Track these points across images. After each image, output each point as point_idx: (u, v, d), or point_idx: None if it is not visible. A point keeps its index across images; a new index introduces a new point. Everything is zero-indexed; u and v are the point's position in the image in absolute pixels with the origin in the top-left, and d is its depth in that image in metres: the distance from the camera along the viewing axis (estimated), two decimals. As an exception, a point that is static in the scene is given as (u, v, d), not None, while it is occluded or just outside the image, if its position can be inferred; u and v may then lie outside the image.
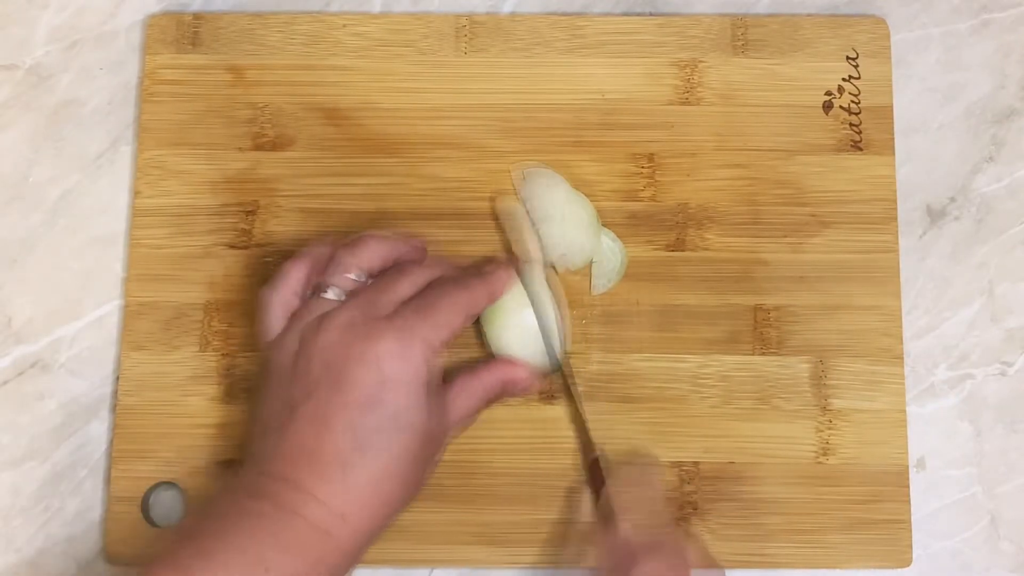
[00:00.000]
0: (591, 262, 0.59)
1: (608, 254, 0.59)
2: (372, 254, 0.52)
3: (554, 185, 0.59)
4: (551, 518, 0.57)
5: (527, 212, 0.58)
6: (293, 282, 0.52)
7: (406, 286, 0.52)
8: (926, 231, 0.61)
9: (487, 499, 0.57)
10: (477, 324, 0.57)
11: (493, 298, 0.54)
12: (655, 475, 0.56)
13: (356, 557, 0.48)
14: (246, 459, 0.49)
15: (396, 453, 0.48)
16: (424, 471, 0.50)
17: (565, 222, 0.58)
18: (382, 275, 0.53)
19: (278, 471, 0.47)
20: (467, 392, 0.53)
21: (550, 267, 0.58)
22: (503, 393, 0.55)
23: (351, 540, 0.47)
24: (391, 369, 0.48)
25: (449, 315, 0.51)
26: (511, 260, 0.58)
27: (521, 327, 0.56)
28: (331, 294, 0.51)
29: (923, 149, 0.62)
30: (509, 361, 0.55)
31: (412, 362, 0.48)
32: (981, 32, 0.64)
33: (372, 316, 0.49)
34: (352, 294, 0.51)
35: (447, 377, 0.53)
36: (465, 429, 0.54)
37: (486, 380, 0.54)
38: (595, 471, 0.55)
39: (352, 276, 0.52)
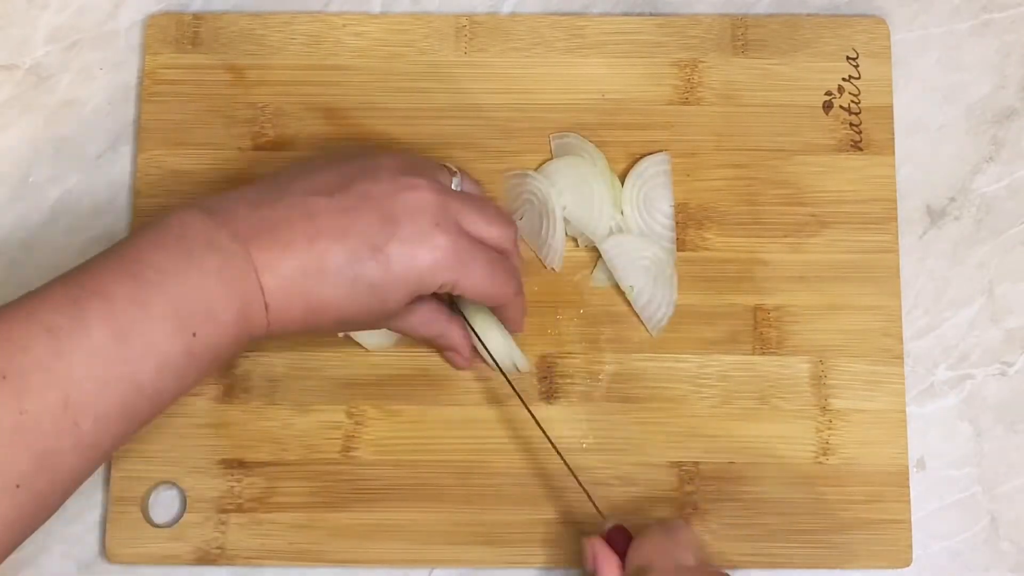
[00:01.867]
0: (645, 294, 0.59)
1: (663, 299, 0.58)
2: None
3: (581, 159, 0.60)
4: (551, 518, 0.57)
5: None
6: None
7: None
8: (926, 231, 0.61)
9: (487, 499, 0.57)
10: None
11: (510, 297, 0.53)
12: (684, 533, 0.52)
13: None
14: (212, 207, 0.47)
15: (356, 273, 0.47)
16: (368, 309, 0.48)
17: (592, 198, 0.59)
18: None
19: (240, 232, 0.46)
20: (430, 317, 0.53)
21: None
22: (436, 344, 0.56)
23: (266, 332, 0.47)
24: (420, 222, 0.48)
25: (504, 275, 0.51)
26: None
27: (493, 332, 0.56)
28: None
29: (923, 149, 0.62)
30: (464, 333, 0.55)
31: (445, 236, 0.48)
32: (981, 32, 0.64)
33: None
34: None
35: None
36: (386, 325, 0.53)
37: (436, 328, 0.54)
38: (617, 537, 0.52)
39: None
